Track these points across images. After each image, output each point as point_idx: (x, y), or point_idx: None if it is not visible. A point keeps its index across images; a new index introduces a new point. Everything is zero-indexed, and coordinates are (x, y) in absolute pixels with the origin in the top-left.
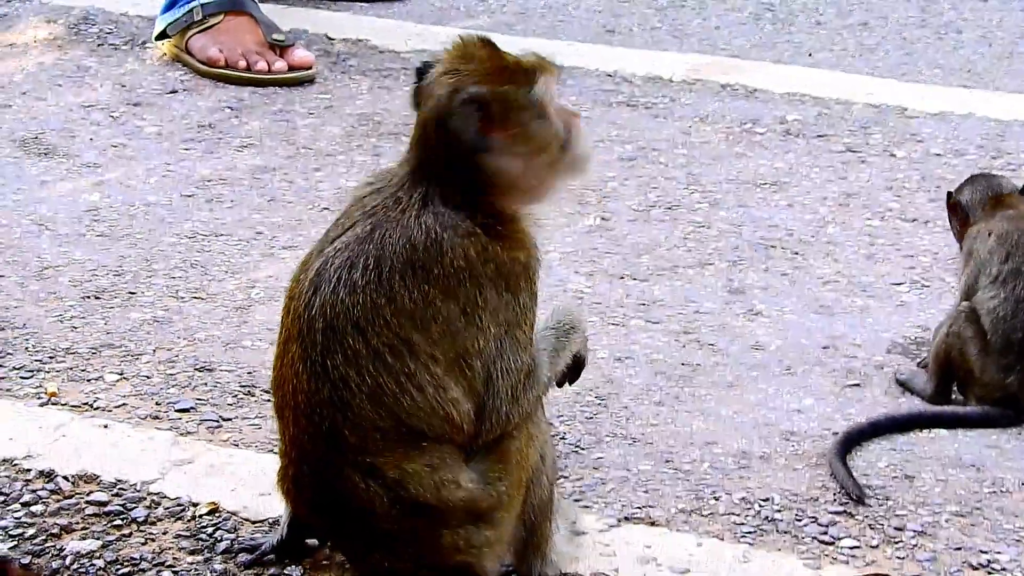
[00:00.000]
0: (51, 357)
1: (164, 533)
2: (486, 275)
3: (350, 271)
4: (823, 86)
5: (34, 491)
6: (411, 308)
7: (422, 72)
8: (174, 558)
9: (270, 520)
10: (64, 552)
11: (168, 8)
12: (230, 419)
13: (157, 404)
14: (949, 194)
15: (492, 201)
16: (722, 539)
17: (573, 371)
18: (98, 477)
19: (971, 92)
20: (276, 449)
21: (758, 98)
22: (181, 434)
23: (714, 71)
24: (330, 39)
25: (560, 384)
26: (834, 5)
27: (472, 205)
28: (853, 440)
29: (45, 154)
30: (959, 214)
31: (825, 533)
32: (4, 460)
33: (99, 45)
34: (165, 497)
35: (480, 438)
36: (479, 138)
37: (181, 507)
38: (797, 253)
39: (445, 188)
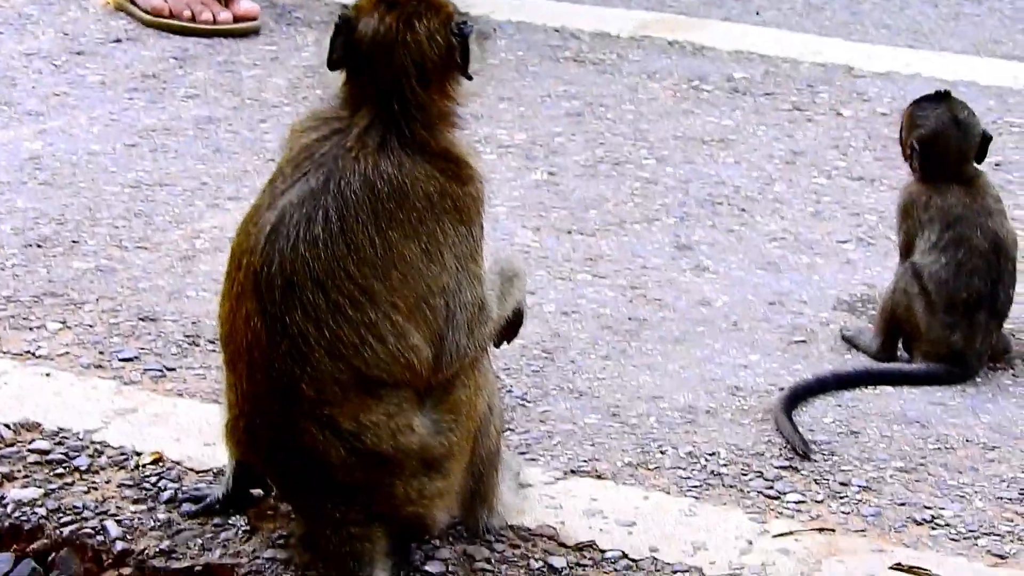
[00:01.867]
0: None
1: (107, 482)
2: (444, 211)
3: (309, 225)
4: (770, 44)
5: None
6: (373, 257)
7: (343, 25)
8: (117, 507)
9: (214, 470)
10: (5, 500)
11: None
12: (174, 369)
13: (100, 353)
14: (913, 121)
15: (443, 139)
16: (668, 493)
17: (513, 326)
18: (40, 425)
19: (917, 52)
20: (221, 399)
21: (706, 55)
22: (125, 383)
23: (662, 28)
24: None
25: (499, 343)
26: None
27: (425, 146)
28: (799, 396)
29: None
30: (912, 155)
31: (771, 488)
32: None
33: None
34: (108, 446)
35: (438, 374)
36: (462, 66)
37: (124, 456)
38: (744, 210)
39: (401, 127)
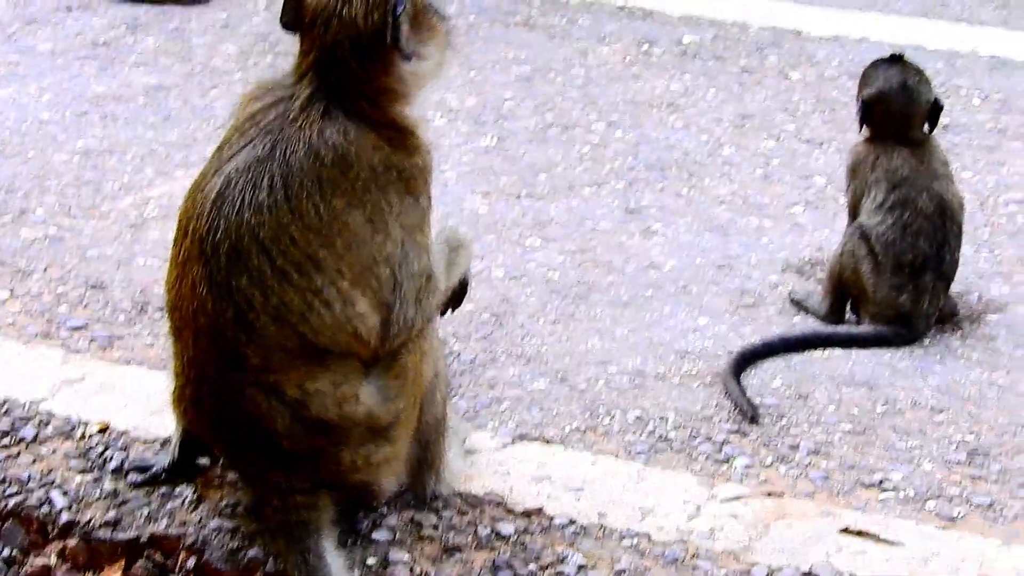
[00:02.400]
0: None
1: (53, 452)
2: (389, 181)
3: (254, 191)
4: (720, 8)
5: None
6: (318, 224)
7: None
8: (63, 477)
9: (161, 439)
10: None
11: None
12: (122, 337)
13: (48, 322)
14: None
15: (390, 110)
16: (616, 457)
17: (458, 296)
18: None
19: (866, 15)
20: (169, 367)
21: (655, 19)
22: (72, 352)
23: None
24: None
25: (443, 311)
26: None
27: (371, 115)
28: (747, 359)
29: None
30: (864, 114)
31: (719, 452)
32: None
33: None
34: (54, 416)
35: (385, 345)
36: (408, 46)
37: (71, 426)
38: (692, 174)
39: (346, 100)
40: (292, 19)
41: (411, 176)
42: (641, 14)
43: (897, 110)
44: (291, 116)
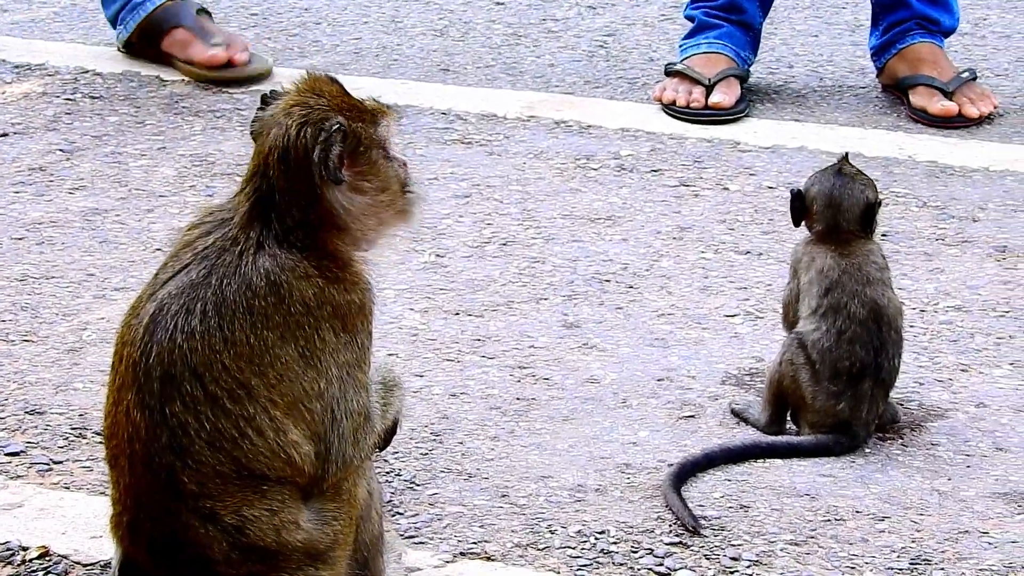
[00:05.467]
0: None
1: None
2: (324, 317)
3: (187, 317)
4: (656, 121)
5: None
6: (249, 353)
7: (267, 101)
8: None
9: (102, 563)
10: None
11: None
12: (61, 462)
13: None
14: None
15: (328, 241)
16: (558, 572)
17: (389, 435)
18: None
19: (803, 125)
20: (108, 492)
21: (592, 134)
22: (11, 478)
23: (548, 108)
24: (163, 81)
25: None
26: (667, 43)
27: (309, 245)
28: (688, 471)
29: None
30: (799, 211)
31: (661, 564)
32: None
33: None
34: None
35: (324, 481)
36: (336, 171)
37: (11, 551)
38: (631, 287)
39: (282, 227)
40: (256, 130)
41: (347, 313)
42: (578, 128)
43: (828, 205)
44: (229, 240)
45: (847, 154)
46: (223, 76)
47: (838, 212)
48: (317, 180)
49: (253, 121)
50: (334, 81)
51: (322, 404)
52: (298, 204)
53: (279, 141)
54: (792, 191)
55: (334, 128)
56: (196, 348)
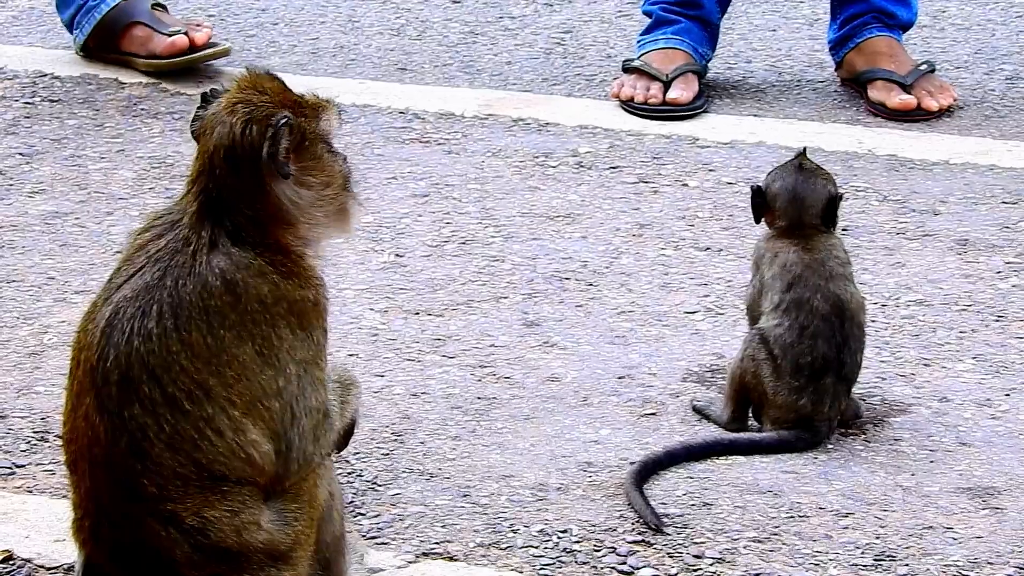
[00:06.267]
0: None
1: None
2: (280, 314)
3: (143, 319)
4: (614, 118)
5: None
6: (207, 353)
7: (207, 100)
8: None
9: (65, 566)
10: None
11: None
12: (23, 465)
13: None
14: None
15: (279, 237)
16: (521, 572)
17: (347, 435)
18: None
19: (762, 121)
20: (70, 497)
21: (550, 131)
22: None
23: (506, 106)
24: (121, 83)
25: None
26: (624, 40)
27: (260, 242)
28: (649, 469)
29: None
30: (759, 207)
31: (624, 563)
32: None
33: None
34: None
35: (285, 480)
36: (284, 165)
37: None
38: (591, 284)
39: (233, 225)
40: (198, 130)
41: (302, 310)
42: (536, 126)
43: (790, 200)
44: (180, 241)
45: (805, 149)
46: (190, 60)
47: (800, 207)
48: (265, 175)
49: (193, 120)
50: (274, 77)
51: (281, 402)
52: (246, 201)
53: (224, 139)
54: (752, 187)
55: (281, 123)
56: (153, 350)
